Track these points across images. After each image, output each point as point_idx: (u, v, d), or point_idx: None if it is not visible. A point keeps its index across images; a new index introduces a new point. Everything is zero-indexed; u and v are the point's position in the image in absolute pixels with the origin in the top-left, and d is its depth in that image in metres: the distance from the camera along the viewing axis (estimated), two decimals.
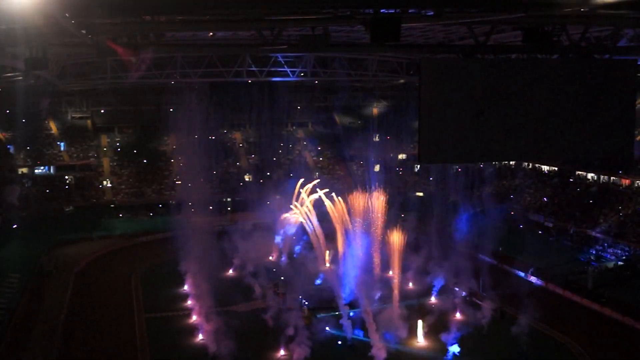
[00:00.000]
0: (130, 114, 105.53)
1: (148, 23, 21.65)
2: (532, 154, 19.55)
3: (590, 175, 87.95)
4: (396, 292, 54.85)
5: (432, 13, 19.79)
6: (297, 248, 74.82)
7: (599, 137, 19.17)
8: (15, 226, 78.00)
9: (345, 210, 66.87)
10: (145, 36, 24.43)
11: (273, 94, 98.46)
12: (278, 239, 75.21)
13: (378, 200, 62.84)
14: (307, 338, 47.52)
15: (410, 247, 60.58)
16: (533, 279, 64.23)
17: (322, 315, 54.68)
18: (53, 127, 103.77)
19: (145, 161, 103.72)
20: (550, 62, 20.35)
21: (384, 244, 60.46)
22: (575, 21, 22.66)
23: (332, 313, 54.54)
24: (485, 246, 64.65)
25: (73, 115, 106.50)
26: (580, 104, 18.67)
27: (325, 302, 56.89)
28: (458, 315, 54.30)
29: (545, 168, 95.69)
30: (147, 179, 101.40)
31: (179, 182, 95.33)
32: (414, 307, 55.68)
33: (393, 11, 19.07)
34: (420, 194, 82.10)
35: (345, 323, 51.33)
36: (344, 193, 68.59)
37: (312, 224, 70.36)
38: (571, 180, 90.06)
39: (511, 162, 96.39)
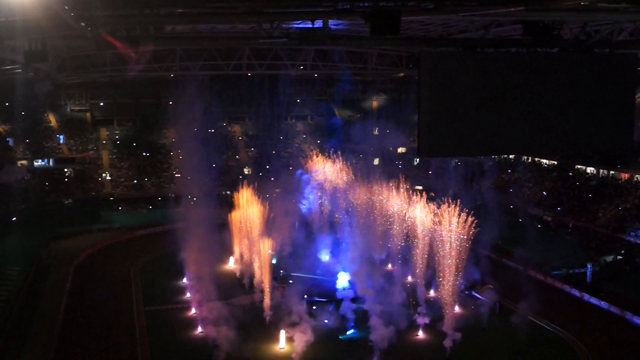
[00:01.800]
0: (130, 106, 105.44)
1: (148, 16, 21.58)
2: (532, 148, 19.56)
3: (589, 169, 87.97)
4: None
5: (432, 6, 19.77)
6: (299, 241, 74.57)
7: (599, 130, 19.15)
8: (14, 219, 78.06)
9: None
10: (145, 29, 24.36)
11: (272, 87, 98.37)
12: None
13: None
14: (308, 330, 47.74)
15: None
16: (532, 272, 64.30)
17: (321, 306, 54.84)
18: (52, 119, 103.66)
19: (144, 154, 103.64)
20: (550, 55, 20.31)
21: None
22: (576, 15, 22.63)
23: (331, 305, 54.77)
24: (484, 239, 64.70)
25: (72, 108, 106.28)
26: (580, 97, 18.65)
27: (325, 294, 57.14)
28: (457, 309, 54.37)
29: (544, 162, 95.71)
30: (147, 171, 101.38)
31: (179, 175, 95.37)
32: None
33: (393, 4, 19.05)
34: (420, 187, 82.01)
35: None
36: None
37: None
38: (570, 174, 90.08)
39: (510, 156, 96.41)
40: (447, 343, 47.35)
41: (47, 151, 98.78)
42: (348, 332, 51.17)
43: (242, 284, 62.19)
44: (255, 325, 51.73)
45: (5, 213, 77.80)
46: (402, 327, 49.12)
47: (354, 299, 54.02)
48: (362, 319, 50.78)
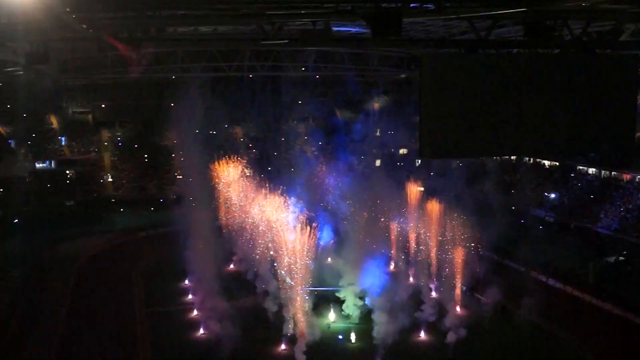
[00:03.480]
0: (131, 108, 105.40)
1: (149, 18, 21.61)
2: (533, 149, 19.51)
3: (591, 170, 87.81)
4: None
5: (433, 7, 19.76)
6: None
7: (601, 132, 19.17)
8: (16, 221, 78.07)
9: None
10: (146, 31, 24.40)
11: (274, 89, 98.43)
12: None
13: None
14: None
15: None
16: (534, 274, 64.16)
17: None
18: (54, 121, 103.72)
19: (146, 156, 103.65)
20: (551, 57, 20.32)
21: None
22: (577, 16, 22.62)
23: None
24: (486, 241, 64.54)
25: (74, 110, 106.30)
26: (582, 98, 18.66)
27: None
28: (458, 310, 54.28)
29: (546, 163, 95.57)
30: (148, 173, 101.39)
31: (180, 177, 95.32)
32: None
33: (394, 5, 19.05)
34: (421, 188, 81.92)
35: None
36: None
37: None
38: (572, 175, 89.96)
39: (512, 157, 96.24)
40: (451, 339, 47.33)
41: (49, 153, 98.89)
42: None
43: (247, 280, 61.77)
44: (258, 327, 51.68)
45: (7, 215, 77.84)
46: (405, 326, 49.12)
47: (361, 297, 53.99)
48: (364, 317, 50.80)
